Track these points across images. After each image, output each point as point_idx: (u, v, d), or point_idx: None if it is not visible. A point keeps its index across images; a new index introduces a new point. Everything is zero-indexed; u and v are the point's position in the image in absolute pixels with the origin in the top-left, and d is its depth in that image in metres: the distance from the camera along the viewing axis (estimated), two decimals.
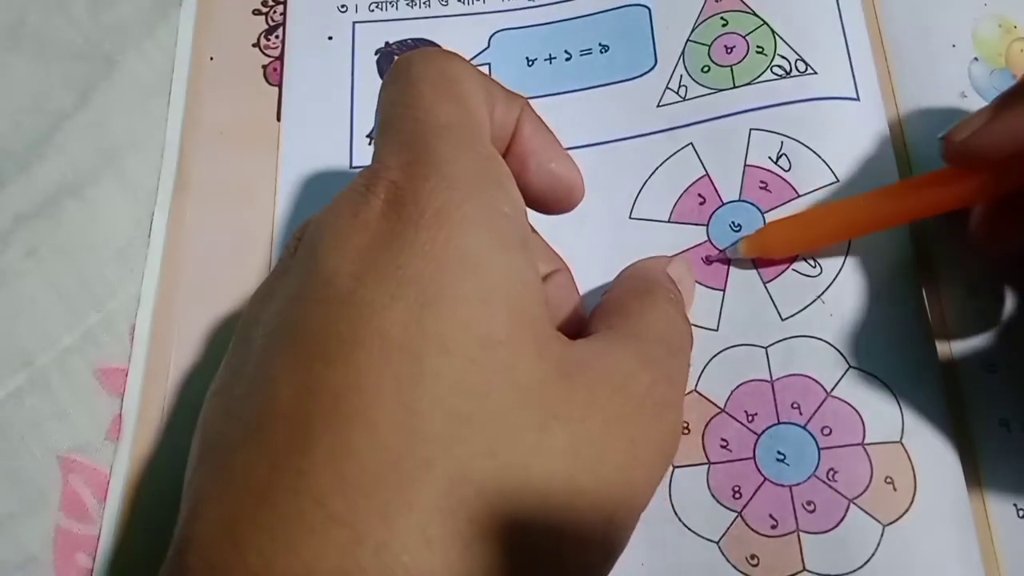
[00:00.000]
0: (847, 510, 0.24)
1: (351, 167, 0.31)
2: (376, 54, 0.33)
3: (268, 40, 0.34)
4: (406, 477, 0.16)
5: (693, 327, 0.27)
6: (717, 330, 0.27)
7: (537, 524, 0.17)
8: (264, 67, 0.33)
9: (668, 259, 0.25)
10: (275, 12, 0.34)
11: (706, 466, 0.25)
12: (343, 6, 0.34)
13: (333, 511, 0.15)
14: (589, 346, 0.20)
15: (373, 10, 0.34)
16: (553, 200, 0.23)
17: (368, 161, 0.24)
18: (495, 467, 0.16)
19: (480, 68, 0.32)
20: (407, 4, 0.34)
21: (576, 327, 0.22)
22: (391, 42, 0.33)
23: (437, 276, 0.17)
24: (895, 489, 0.24)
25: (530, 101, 0.22)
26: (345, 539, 0.15)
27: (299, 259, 0.19)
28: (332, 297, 0.17)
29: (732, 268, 0.27)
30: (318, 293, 0.18)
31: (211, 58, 0.33)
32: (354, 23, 0.34)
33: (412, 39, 0.33)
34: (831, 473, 0.24)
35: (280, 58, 0.33)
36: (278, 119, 0.32)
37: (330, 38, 0.33)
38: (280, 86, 0.33)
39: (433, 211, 0.18)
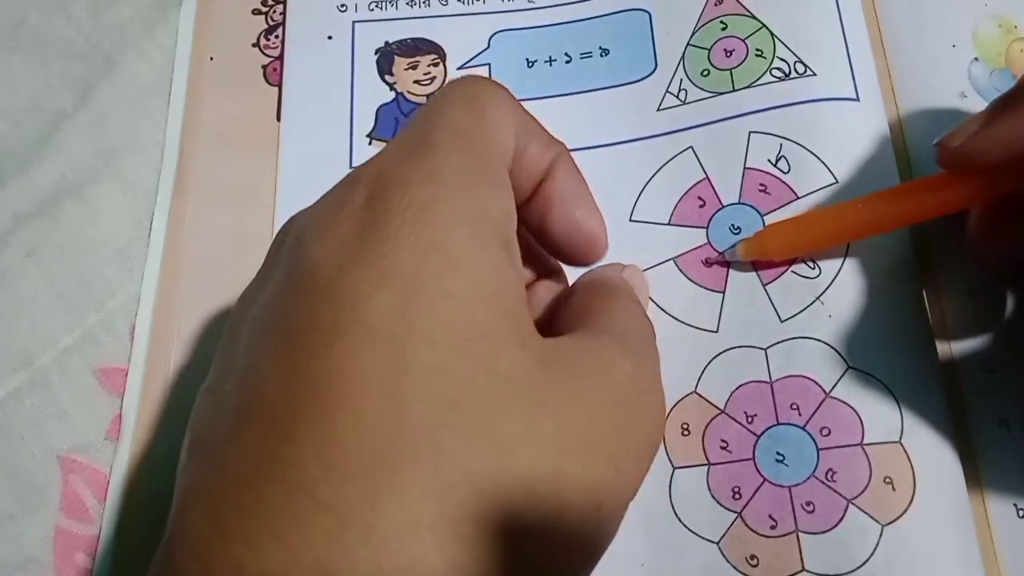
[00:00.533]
0: (846, 510, 0.24)
1: (351, 167, 0.31)
2: (376, 53, 0.33)
3: (268, 40, 0.34)
4: (393, 463, 0.16)
5: (693, 329, 0.27)
6: (717, 332, 0.27)
7: (526, 510, 0.17)
8: (264, 67, 0.33)
9: (623, 266, 0.25)
10: (275, 12, 0.34)
11: (706, 467, 0.25)
12: (343, 5, 0.34)
13: (320, 498, 0.15)
14: (569, 341, 0.20)
15: (373, 9, 0.34)
16: (572, 248, 0.23)
17: None
18: (482, 453, 0.16)
19: (480, 68, 0.32)
20: (407, 3, 0.34)
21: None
22: (391, 41, 0.33)
23: (420, 269, 0.17)
24: (894, 489, 0.24)
25: (530, 103, 0.22)
26: (332, 525, 0.15)
27: (284, 254, 0.19)
28: (315, 287, 0.17)
29: (731, 270, 0.28)
30: (301, 284, 0.18)
31: (211, 58, 0.33)
32: (354, 23, 0.34)
33: (412, 39, 0.33)
34: (830, 473, 0.24)
35: (280, 58, 0.33)
36: (278, 119, 0.32)
37: (330, 38, 0.33)
38: (280, 86, 0.33)
39: (419, 203, 0.18)
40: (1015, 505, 0.25)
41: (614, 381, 0.19)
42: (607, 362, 0.20)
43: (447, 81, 0.32)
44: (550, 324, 0.22)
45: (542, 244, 0.23)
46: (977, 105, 0.29)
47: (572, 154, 0.23)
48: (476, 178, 0.19)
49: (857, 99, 0.29)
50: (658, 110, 0.30)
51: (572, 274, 0.25)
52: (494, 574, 0.16)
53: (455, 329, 0.17)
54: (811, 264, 0.27)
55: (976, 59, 0.30)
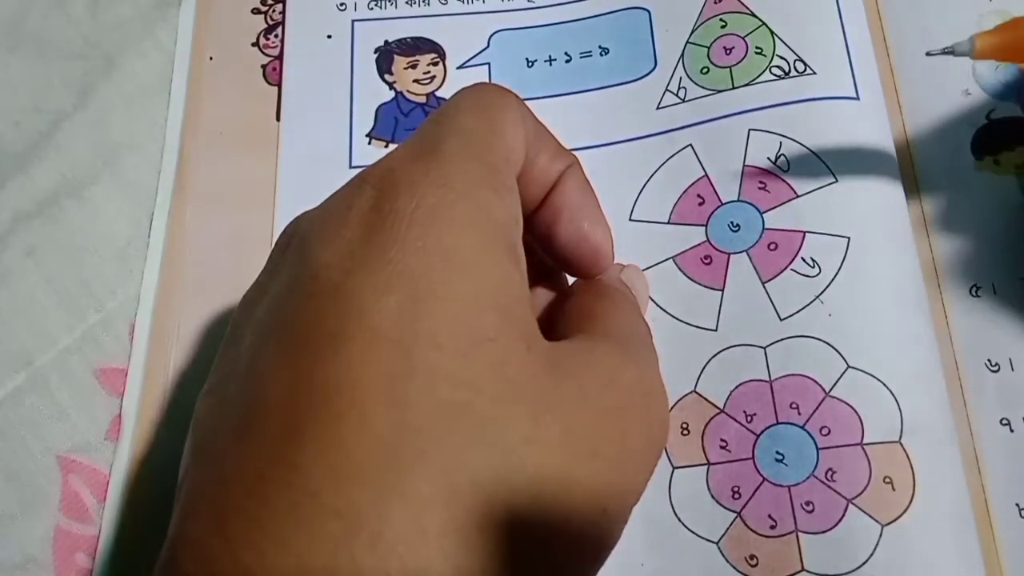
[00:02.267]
0: (846, 510, 0.24)
1: (351, 166, 0.31)
2: (375, 52, 0.33)
3: (267, 39, 0.34)
4: (400, 469, 0.16)
5: (693, 328, 0.27)
6: (716, 330, 0.27)
7: (533, 515, 0.17)
8: (263, 67, 0.33)
9: (622, 266, 0.25)
10: (274, 11, 0.34)
11: (705, 466, 0.25)
12: (342, 4, 0.34)
13: (326, 503, 0.15)
14: (573, 345, 0.20)
15: (372, 8, 0.34)
16: (577, 259, 0.23)
17: (367, 161, 0.24)
18: (489, 458, 0.16)
19: (480, 68, 0.32)
20: (406, 2, 0.34)
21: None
22: (390, 40, 0.33)
23: (427, 272, 0.17)
24: (894, 489, 0.24)
25: (530, 102, 0.22)
26: (339, 531, 0.15)
27: (289, 255, 0.19)
28: (321, 291, 0.17)
29: (731, 268, 0.27)
30: (307, 287, 0.18)
31: (211, 58, 0.33)
32: (353, 21, 0.34)
33: (411, 38, 0.33)
34: (830, 473, 0.24)
35: (279, 57, 0.33)
36: (277, 119, 0.32)
37: (329, 37, 0.33)
38: (279, 86, 0.33)
39: (427, 206, 0.18)
40: (1017, 505, 0.25)
41: (619, 385, 0.19)
42: (611, 366, 0.20)
43: (447, 81, 0.32)
44: (549, 327, 0.22)
45: (547, 253, 0.23)
46: (981, 103, 0.29)
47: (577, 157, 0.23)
48: (483, 183, 0.19)
49: (857, 98, 0.29)
50: (658, 108, 0.30)
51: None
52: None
53: (462, 333, 0.17)
54: (811, 262, 0.27)
55: None
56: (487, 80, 0.32)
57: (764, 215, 0.28)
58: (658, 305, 0.28)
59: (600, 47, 0.32)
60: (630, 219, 0.29)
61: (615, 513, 0.19)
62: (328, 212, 0.19)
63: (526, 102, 0.22)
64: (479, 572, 0.16)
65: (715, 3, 0.31)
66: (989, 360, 0.26)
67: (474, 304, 0.17)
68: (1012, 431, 0.26)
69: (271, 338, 0.18)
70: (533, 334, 0.19)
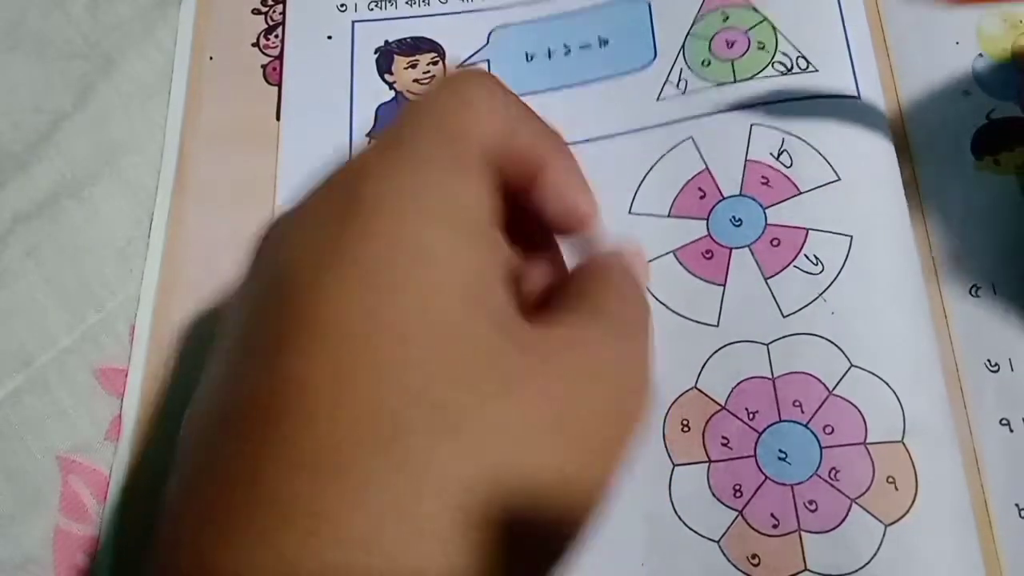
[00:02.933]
0: (849, 509, 0.24)
1: None
2: (375, 53, 0.33)
3: (267, 40, 0.34)
4: (378, 465, 0.16)
5: (693, 323, 0.27)
6: (717, 326, 0.27)
7: (516, 499, 0.17)
8: (264, 67, 0.33)
9: (623, 249, 0.25)
10: (274, 11, 0.34)
11: (706, 464, 0.25)
12: (342, 5, 0.34)
13: (309, 506, 0.15)
14: (556, 330, 0.20)
15: (372, 9, 0.34)
16: (567, 230, 0.23)
17: None
18: (468, 451, 0.16)
19: (479, 65, 0.32)
20: (406, 2, 0.34)
21: None
22: (390, 41, 0.33)
23: (391, 265, 0.17)
24: (897, 489, 0.24)
25: (530, 97, 0.22)
26: (327, 533, 0.15)
27: (263, 256, 0.19)
28: (291, 290, 0.17)
29: (733, 263, 0.27)
30: (278, 288, 0.18)
31: (211, 58, 0.33)
32: (353, 22, 0.34)
33: (412, 38, 0.33)
34: (833, 472, 0.24)
35: (279, 57, 0.33)
36: (277, 119, 0.32)
37: (329, 37, 0.33)
38: (280, 85, 0.33)
39: (393, 198, 0.18)
40: (1017, 505, 0.25)
41: (600, 366, 0.19)
42: (595, 349, 0.19)
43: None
44: (546, 308, 0.22)
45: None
46: (981, 102, 0.29)
47: (570, 146, 0.23)
48: (452, 169, 0.19)
49: (858, 96, 0.29)
50: (657, 100, 0.30)
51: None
52: (480, 570, 0.16)
53: (428, 323, 0.17)
54: (814, 260, 0.27)
55: (981, 55, 0.30)
56: None
57: (766, 211, 0.28)
58: (658, 300, 0.27)
59: (599, 38, 0.32)
60: (629, 212, 0.29)
61: (588, 491, 0.18)
62: (300, 210, 0.19)
63: (526, 97, 0.22)
64: (472, 568, 0.16)
65: None
66: (989, 360, 0.26)
67: (440, 295, 0.17)
68: (1012, 431, 0.26)
69: (243, 342, 0.18)
70: (508, 321, 0.18)
